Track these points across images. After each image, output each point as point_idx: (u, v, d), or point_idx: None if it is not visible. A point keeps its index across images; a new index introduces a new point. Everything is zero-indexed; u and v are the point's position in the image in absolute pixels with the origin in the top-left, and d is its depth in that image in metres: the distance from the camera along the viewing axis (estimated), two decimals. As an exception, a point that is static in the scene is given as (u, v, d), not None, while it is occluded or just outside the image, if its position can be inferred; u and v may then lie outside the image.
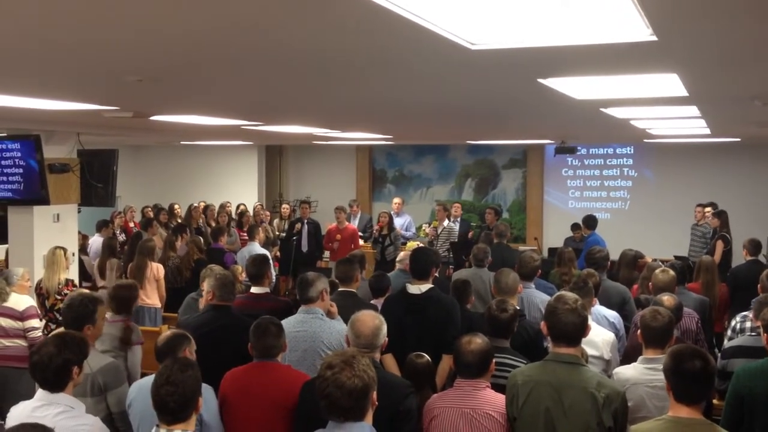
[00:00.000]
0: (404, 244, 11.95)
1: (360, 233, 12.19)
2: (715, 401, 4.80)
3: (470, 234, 12.08)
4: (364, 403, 2.92)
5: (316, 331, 4.67)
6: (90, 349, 3.85)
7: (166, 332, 4.23)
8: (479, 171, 16.09)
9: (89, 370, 3.99)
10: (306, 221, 11.89)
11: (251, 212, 13.44)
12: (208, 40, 3.18)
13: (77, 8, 2.53)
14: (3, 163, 7.86)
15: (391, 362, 4.81)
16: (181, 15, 2.65)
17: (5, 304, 6.26)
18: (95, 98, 5.57)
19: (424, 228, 12.61)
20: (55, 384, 3.43)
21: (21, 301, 6.32)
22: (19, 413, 3.42)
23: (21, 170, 7.80)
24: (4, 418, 4.27)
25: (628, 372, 4.15)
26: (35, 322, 6.32)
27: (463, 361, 3.80)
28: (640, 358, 4.15)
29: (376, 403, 3.00)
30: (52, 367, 3.40)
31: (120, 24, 2.82)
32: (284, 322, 4.69)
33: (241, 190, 16.00)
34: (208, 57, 3.67)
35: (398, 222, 12.56)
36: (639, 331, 4.23)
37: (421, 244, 10.60)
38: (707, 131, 9.54)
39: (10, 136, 7.93)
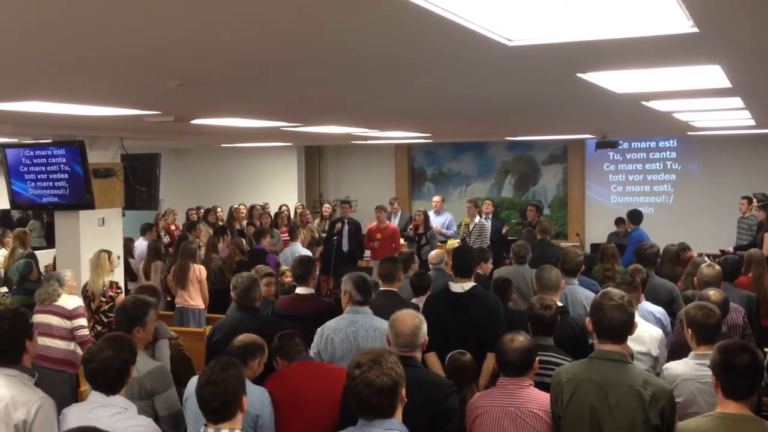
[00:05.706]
0: (444, 242, 11.89)
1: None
2: (765, 398, 4.71)
3: (504, 230, 11.99)
4: (393, 401, 2.95)
5: (379, 326, 4.68)
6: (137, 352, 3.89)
7: (241, 337, 4.26)
8: (519, 167, 15.96)
9: (137, 374, 3.96)
10: (347, 221, 11.90)
11: (292, 213, 13.50)
12: (249, 43, 3.20)
13: (120, 16, 2.57)
14: (49, 169, 8.02)
15: (434, 361, 4.81)
16: (223, 20, 2.67)
17: (56, 303, 6.41)
18: (137, 103, 5.65)
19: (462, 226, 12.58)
20: (115, 386, 3.48)
21: (70, 300, 6.50)
22: (75, 415, 3.48)
23: (66, 176, 7.95)
24: None
25: (678, 368, 4.09)
26: (83, 321, 6.47)
27: (505, 359, 3.78)
28: (692, 353, 4.09)
29: (405, 400, 3.02)
30: (113, 369, 3.45)
31: (162, 30, 2.85)
32: (334, 323, 4.75)
33: (281, 190, 16.06)
34: (249, 60, 3.70)
35: (439, 220, 12.51)
36: (689, 328, 4.14)
37: (459, 242, 10.58)
38: (752, 122, 9.36)
39: (55, 142, 8.06)
